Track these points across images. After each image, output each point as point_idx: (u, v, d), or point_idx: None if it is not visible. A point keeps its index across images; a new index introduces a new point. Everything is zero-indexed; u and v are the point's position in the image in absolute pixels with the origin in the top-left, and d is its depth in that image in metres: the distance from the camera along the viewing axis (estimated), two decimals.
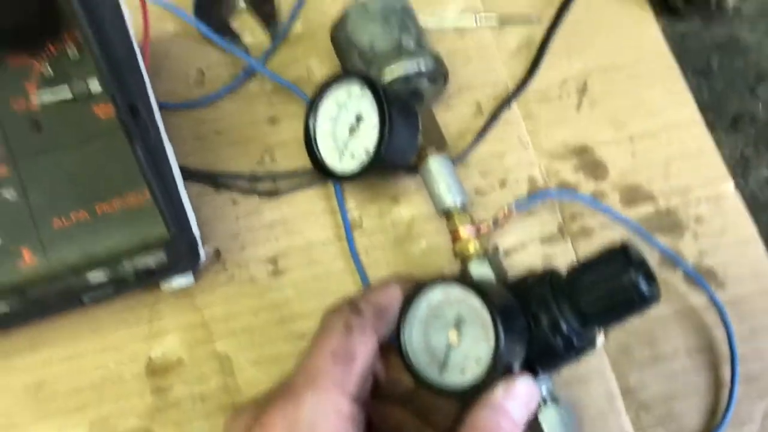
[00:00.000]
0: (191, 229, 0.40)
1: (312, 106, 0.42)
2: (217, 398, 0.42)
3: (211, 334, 0.43)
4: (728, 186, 0.46)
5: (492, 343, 0.32)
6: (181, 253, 0.39)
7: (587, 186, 0.46)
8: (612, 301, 0.33)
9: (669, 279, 0.44)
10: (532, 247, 0.45)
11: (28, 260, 0.39)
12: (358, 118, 0.40)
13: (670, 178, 0.46)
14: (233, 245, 0.45)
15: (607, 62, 0.49)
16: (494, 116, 0.47)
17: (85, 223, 0.39)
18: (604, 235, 0.45)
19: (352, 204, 0.46)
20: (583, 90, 0.49)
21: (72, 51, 0.40)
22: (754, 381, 0.42)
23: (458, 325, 0.33)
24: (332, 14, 0.46)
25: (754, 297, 0.44)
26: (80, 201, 0.39)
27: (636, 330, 0.42)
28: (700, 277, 0.43)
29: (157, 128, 0.40)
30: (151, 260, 0.38)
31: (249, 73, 0.49)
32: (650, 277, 0.33)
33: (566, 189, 0.46)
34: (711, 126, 0.48)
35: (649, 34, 0.50)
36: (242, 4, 0.52)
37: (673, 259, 0.44)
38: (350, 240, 0.45)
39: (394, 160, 0.41)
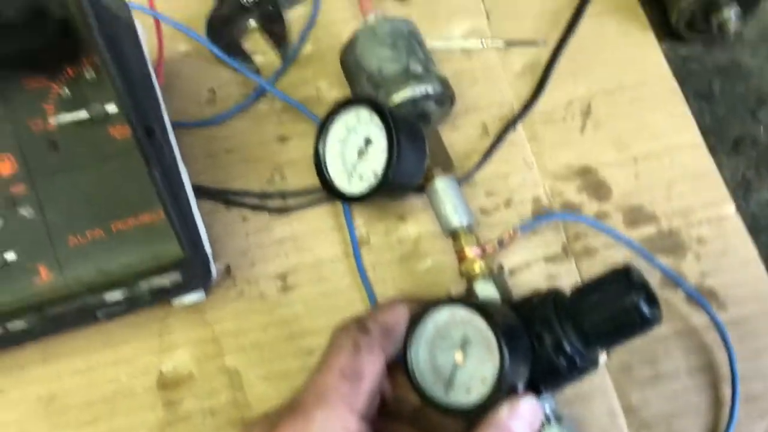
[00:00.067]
0: (204, 247, 0.41)
1: (322, 129, 0.42)
2: (227, 413, 0.42)
3: (221, 349, 0.44)
4: (729, 208, 0.47)
5: (497, 363, 0.32)
6: (195, 271, 0.40)
7: (590, 206, 0.47)
8: (614, 322, 0.34)
9: (671, 299, 0.44)
10: (536, 266, 0.45)
11: (45, 277, 0.39)
12: (367, 142, 0.41)
13: (672, 200, 0.47)
14: (243, 261, 0.46)
15: (611, 85, 0.50)
16: (500, 137, 0.48)
17: (100, 241, 0.40)
18: (607, 255, 0.46)
19: (359, 221, 0.47)
20: (587, 112, 0.49)
21: (89, 74, 0.40)
22: (755, 401, 0.42)
23: (464, 345, 0.34)
24: (341, 36, 0.47)
25: (754, 317, 0.44)
26: (96, 219, 0.40)
27: (638, 349, 0.43)
28: (701, 298, 0.44)
29: (172, 148, 0.41)
30: (166, 280, 0.38)
31: (259, 93, 0.50)
32: (652, 300, 0.34)
33: (569, 211, 0.47)
34: (713, 149, 0.48)
35: (652, 58, 0.51)
36: (253, 25, 0.53)
37: (674, 280, 0.45)
38: (357, 257, 0.45)
39: (401, 183, 0.42)
